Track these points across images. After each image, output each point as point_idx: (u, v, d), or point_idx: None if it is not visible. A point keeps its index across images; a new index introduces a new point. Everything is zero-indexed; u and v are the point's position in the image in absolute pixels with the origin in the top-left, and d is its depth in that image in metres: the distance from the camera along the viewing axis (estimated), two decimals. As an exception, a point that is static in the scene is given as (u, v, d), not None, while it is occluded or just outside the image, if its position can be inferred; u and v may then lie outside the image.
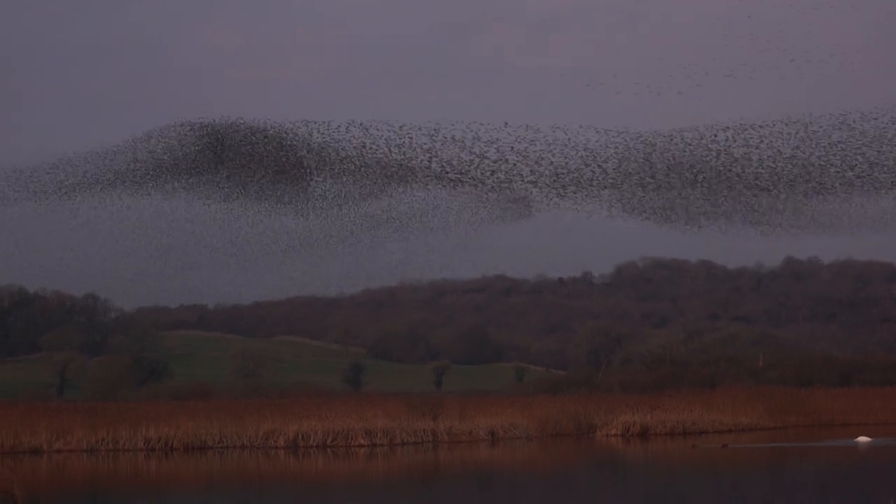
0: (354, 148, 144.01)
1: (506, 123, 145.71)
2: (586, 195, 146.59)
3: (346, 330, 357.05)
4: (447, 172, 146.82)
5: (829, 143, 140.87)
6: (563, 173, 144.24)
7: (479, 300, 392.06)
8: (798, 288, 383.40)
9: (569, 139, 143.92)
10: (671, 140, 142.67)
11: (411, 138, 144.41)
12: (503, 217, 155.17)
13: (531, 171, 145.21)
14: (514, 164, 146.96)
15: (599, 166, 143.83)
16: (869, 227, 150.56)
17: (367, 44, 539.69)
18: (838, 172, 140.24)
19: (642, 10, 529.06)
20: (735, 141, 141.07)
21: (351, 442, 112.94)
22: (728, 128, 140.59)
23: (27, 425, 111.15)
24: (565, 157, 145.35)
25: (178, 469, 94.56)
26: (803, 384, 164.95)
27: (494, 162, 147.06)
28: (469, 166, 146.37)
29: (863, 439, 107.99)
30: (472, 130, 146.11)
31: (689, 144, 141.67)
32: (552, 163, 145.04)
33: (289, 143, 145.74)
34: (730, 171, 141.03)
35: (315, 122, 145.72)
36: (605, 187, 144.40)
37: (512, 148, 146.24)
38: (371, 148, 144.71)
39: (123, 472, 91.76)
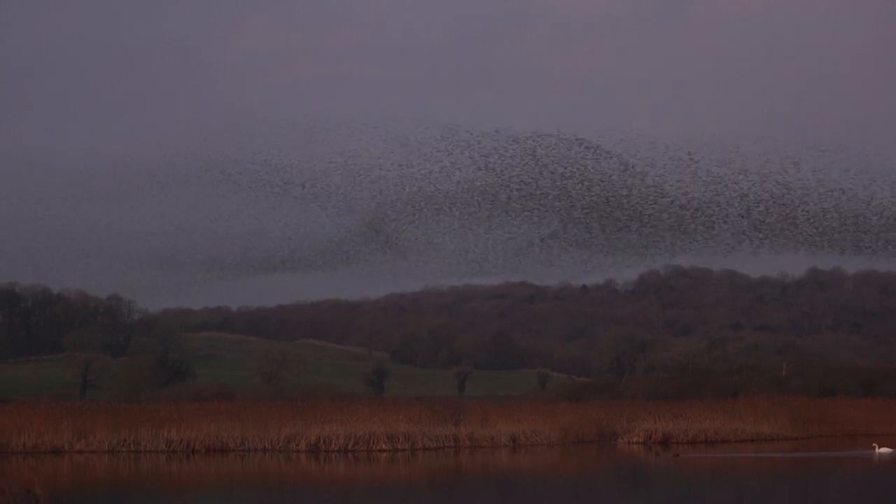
0: None
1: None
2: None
3: (370, 334, 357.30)
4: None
5: None
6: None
7: (502, 306, 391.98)
8: (822, 297, 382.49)
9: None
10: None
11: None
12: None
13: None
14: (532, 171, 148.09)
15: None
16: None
17: (399, 47, 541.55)
18: None
19: (662, 13, 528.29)
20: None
21: (372, 446, 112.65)
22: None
23: (49, 425, 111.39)
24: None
25: (199, 471, 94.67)
26: (826, 394, 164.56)
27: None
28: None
29: (884, 450, 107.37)
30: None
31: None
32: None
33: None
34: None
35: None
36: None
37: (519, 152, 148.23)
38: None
39: (145, 473, 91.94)
